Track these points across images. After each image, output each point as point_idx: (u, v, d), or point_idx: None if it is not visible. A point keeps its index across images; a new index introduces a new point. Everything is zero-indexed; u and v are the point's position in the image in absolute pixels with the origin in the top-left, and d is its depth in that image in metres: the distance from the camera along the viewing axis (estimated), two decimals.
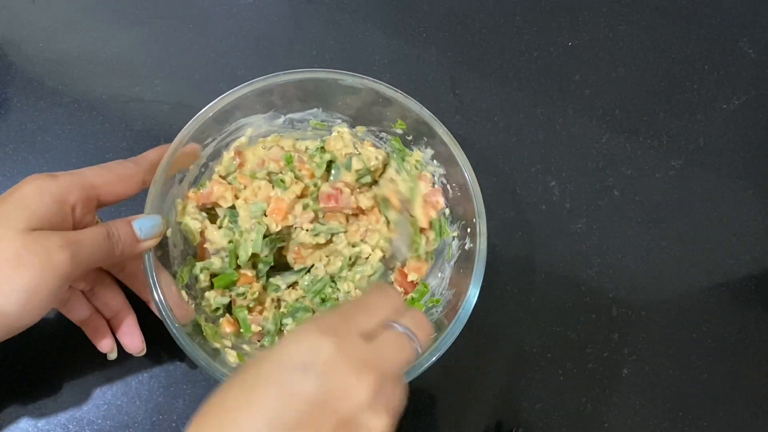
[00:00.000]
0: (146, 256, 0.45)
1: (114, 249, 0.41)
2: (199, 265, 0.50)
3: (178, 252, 0.50)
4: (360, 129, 0.54)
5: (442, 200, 0.53)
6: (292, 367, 0.31)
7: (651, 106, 0.65)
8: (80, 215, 0.41)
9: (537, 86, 0.65)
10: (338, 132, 0.54)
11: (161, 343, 0.53)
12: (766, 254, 0.61)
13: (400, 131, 0.53)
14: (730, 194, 0.63)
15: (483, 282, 0.47)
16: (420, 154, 0.53)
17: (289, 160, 0.53)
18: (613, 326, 0.58)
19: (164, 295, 0.45)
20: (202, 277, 0.50)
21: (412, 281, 0.53)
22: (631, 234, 0.61)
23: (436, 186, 0.54)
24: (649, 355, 0.57)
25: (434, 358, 0.45)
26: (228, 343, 0.49)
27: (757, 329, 0.59)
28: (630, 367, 0.57)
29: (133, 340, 0.48)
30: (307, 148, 0.55)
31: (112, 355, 0.49)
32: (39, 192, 0.38)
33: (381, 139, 0.55)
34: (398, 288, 0.53)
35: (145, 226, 0.43)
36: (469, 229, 0.50)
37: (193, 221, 0.50)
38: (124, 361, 0.53)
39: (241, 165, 0.53)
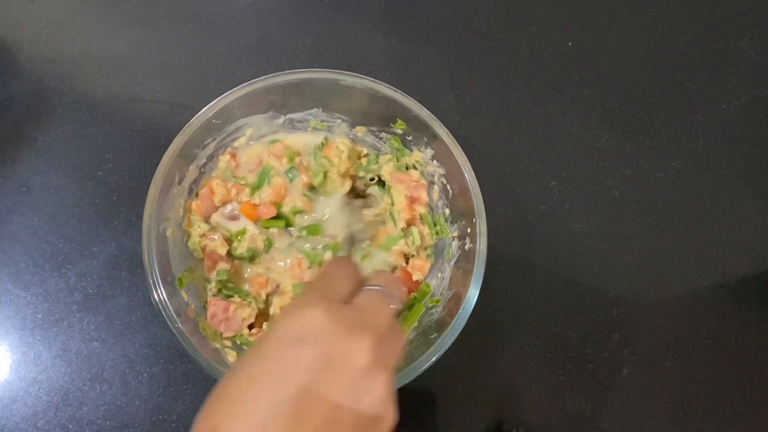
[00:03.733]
0: (146, 255, 0.45)
1: None
2: (213, 277, 0.51)
3: (177, 252, 0.50)
4: (360, 129, 0.55)
5: (424, 195, 0.54)
6: (287, 341, 0.31)
7: (651, 106, 0.65)
8: None
9: (537, 86, 0.65)
10: (339, 143, 0.55)
11: (161, 344, 0.53)
12: (766, 254, 0.61)
13: (400, 131, 0.53)
14: (730, 194, 0.63)
15: (483, 282, 0.47)
16: (420, 154, 0.53)
17: (291, 158, 0.53)
18: (613, 326, 0.58)
19: (165, 295, 0.45)
20: (212, 285, 0.51)
21: (416, 280, 0.53)
22: (631, 234, 0.61)
23: (422, 182, 0.54)
24: (649, 355, 0.57)
25: (434, 358, 0.45)
26: (228, 343, 0.49)
27: (757, 329, 0.59)
28: (630, 367, 0.57)
29: None
30: (306, 145, 0.55)
31: None
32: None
33: (381, 139, 0.55)
34: (403, 288, 0.53)
35: None
36: (469, 229, 0.50)
37: (201, 239, 0.51)
38: (125, 362, 0.53)
39: (237, 166, 0.53)
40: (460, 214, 0.51)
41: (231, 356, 0.47)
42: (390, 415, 0.32)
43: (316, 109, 0.53)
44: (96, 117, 0.59)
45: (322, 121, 0.54)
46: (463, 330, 0.46)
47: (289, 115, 0.53)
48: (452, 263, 0.52)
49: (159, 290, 0.45)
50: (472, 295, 0.47)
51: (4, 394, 0.51)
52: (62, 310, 0.54)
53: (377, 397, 0.31)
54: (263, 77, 0.49)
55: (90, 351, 0.53)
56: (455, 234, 0.52)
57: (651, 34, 0.68)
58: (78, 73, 0.61)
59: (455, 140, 0.50)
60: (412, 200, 0.54)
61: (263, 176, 0.53)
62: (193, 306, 0.48)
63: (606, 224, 0.61)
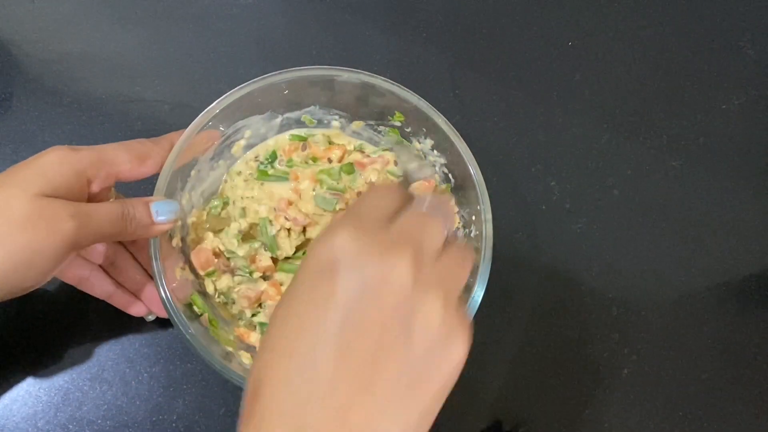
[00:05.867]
0: (155, 266, 0.44)
1: (127, 227, 0.41)
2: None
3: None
4: (357, 124, 0.54)
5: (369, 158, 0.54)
6: (318, 270, 0.28)
7: (651, 106, 0.65)
8: (96, 190, 0.42)
9: (537, 86, 0.65)
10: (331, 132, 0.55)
11: (161, 344, 0.53)
12: (766, 254, 0.61)
13: (398, 123, 0.53)
14: (730, 194, 0.63)
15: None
16: (419, 146, 0.53)
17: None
18: (613, 326, 0.58)
19: (174, 299, 0.44)
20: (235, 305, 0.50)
21: None
22: (631, 234, 0.61)
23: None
24: (649, 355, 0.57)
25: None
26: (242, 345, 0.49)
27: (757, 329, 0.59)
28: (630, 367, 0.57)
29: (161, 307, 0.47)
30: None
31: (150, 317, 0.51)
32: (59, 162, 0.39)
33: (379, 132, 0.55)
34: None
35: (162, 209, 0.43)
36: (474, 217, 0.49)
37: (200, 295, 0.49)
38: (125, 362, 0.53)
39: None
40: (464, 202, 0.51)
41: (245, 358, 0.47)
42: (458, 339, 0.29)
43: (313, 107, 0.53)
44: (96, 117, 0.59)
45: (319, 120, 0.54)
46: None
47: (287, 115, 0.53)
48: None
49: (167, 294, 0.44)
50: (482, 280, 0.46)
51: (4, 394, 0.51)
52: (62, 309, 0.54)
53: (432, 317, 0.28)
54: (260, 77, 0.49)
55: (90, 351, 0.53)
56: (460, 224, 0.52)
57: (651, 33, 0.68)
58: (78, 73, 0.61)
59: (454, 128, 0.49)
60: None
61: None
62: (206, 314, 0.48)
63: (606, 224, 0.61)
